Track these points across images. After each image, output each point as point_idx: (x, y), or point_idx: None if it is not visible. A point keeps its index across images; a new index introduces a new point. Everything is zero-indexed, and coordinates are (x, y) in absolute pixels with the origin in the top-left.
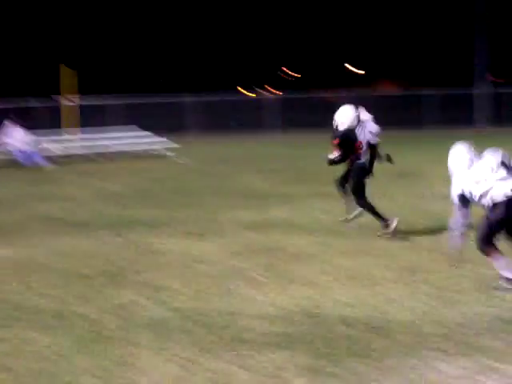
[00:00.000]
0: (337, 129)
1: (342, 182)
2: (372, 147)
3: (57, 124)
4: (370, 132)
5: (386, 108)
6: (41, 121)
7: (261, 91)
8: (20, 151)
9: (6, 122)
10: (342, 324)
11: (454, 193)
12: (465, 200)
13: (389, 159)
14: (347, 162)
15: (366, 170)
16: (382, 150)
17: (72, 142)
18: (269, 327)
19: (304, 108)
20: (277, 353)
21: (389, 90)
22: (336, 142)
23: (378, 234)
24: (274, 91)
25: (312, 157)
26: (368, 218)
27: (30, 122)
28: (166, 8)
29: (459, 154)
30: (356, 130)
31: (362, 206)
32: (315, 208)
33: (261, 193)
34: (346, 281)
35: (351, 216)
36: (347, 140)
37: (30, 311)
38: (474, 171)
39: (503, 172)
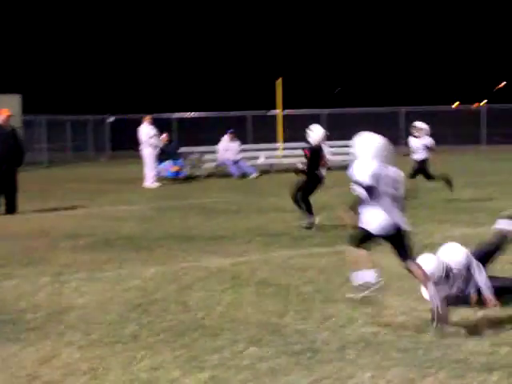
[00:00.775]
0: (308, 141)
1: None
2: None
3: (269, 135)
4: (424, 145)
5: None
6: (255, 132)
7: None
8: (231, 161)
9: (225, 135)
10: None
11: None
12: None
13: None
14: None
15: (322, 182)
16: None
17: (279, 152)
18: (488, 348)
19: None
20: (497, 375)
21: None
22: (307, 152)
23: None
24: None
25: None
26: None
27: (244, 132)
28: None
29: None
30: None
31: (302, 200)
32: None
33: (472, 207)
34: None
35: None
36: (316, 154)
37: (243, 323)
38: None
39: None
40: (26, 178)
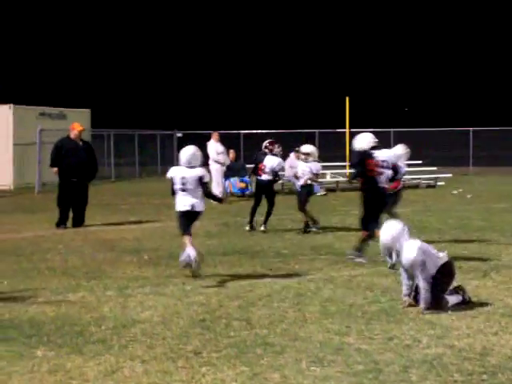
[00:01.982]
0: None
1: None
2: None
3: (337, 153)
4: (310, 168)
5: None
6: (322, 149)
7: None
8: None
9: (291, 153)
10: None
11: None
12: None
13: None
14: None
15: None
16: None
17: (346, 170)
18: None
19: None
20: None
21: None
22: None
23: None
24: None
25: None
26: None
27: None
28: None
29: None
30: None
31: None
32: None
33: None
34: None
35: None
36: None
37: (306, 341)
38: None
39: None
40: (94, 192)
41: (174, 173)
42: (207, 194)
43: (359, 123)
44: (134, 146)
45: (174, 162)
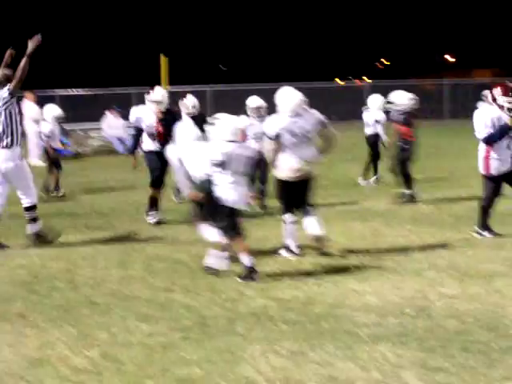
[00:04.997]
0: None
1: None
2: None
3: None
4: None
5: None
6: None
7: (356, 81)
8: (117, 139)
9: (107, 111)
10: (451, 318)
11: None
12: None
13: None
14: None
15: None
16: None
17: None
18: (375, 319)
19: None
20: (383, 345)
21: (484, 77)
22: None
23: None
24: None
25: None
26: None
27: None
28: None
29: None
30: None
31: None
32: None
33: (355, 182)
34: (456, 274)
35: None
36: None
37: (132, 299)
38: None
39: None
40: None
41: None
42: None
43: (176, 81)
44: None
45: None
